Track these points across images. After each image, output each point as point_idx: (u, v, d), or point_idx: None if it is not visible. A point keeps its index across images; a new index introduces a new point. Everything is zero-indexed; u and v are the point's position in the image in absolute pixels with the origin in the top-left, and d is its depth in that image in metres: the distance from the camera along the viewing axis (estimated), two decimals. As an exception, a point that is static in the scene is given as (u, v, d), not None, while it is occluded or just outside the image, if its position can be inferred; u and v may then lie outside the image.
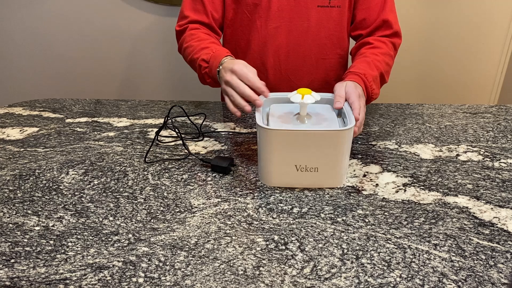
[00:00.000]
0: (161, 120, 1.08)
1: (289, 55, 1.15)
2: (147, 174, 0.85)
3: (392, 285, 0.60)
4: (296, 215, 0.74)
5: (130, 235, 0.69)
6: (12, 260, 0.64)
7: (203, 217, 0.73)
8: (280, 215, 0.74)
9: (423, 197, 0.79)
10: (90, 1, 1.80)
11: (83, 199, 0.78)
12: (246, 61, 1.10)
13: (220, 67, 0.95)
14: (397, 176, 0.85)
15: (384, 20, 1.11)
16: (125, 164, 0.89)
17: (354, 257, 0.65)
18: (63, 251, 0.66)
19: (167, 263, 0.64)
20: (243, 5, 1.11)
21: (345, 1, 1.11)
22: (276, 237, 0.69)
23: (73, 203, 0.77)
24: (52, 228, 0.71)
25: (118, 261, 0.64)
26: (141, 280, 0.61)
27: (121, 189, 0.81)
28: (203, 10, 1.12)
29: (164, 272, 0.62)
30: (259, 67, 1.16)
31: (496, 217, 0.74)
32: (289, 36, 1.13)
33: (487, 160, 0.91)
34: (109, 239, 0.68)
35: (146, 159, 0.90)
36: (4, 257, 0.65)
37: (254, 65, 1.17)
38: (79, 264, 0.63)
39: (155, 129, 1.03)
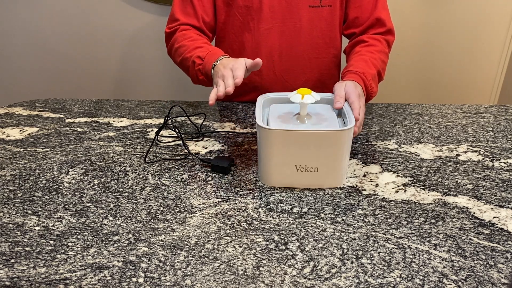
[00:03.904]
0: (161, 120, 1.08)
1: (282, 56, 1.15)
2: (147, 174, 0.85)
3: (392, 285, 0.60)
4: (296, 215, 0.74)
5: (130, 235, 0.69)
6: (12, 260, 0.64)
7: (203, 217, 0.73)
8: (280, 215, 0.74)
9: (423, 197, 0.79)
10: (90, 1, 1.80)
11: (83, 199, 0.78)
12: None
13: (218, 62, 0.95)
14: (397, 176, 0.85)
15: (377, 18, 1.11)
16: (125, 164, 0.89)
17: (354, 257, 0.65)
18: (63, 251, 0.66)
19: (167, 263, 0.64)
20: (234, 7, 1.11)
21: (336, 0, 1.11)
22: (276, 237, 0.69)
23: (73, 203, 0.77)
24: (52, 228, 0.71)
25: (118, 261, 0.64)
26: (141, 280, 0.61)
27: (121, 189, 0.81)
28: (193, 14, 1.12)
29: (164, 272, 0.62)
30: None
31: (496, 217, 0.74)
32: (281, 37, 1.13)
33: (487, 160, 0.91)
34: (109, 239, 0.68)
35: (146, 159, 0.90)
36: (4, 257, 0.65)
37: None
38: (79, 264, 0.63)
39: (155, 129, 1.03)
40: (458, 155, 0.93)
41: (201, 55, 1.01)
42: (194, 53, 1.03)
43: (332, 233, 0.70)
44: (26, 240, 0.68)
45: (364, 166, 0.88)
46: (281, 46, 1.14)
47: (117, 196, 0.79)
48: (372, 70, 1.01)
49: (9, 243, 0.68)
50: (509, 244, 0.68)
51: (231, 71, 0.89)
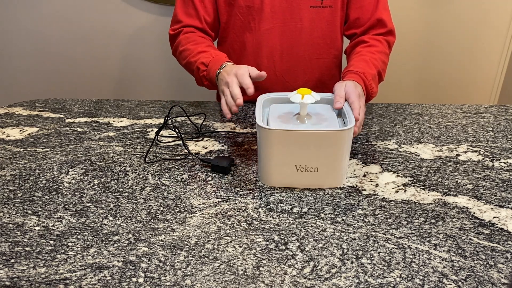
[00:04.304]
0: (161, 120, 1.08)
1: (283, 56, 1.15)
2: (147, 174, 0.85)
3: (392, 285, 0.60)
4: (296, 215, 0.74)
5: (130, 235, 0.69)
6: (12, 260, 0.64)
7: (203, 217, 0.73)
8: (280, 215, 0.74)
9: (423, 197, 0.79)
10: (90, 1, 1.80)
11: (83, 199, 0.78)
12: (241, 63, 1.09)
13: (221, 69, 0.96)
14: (397, 176, 0.85)
15: (378, 19, 1.11)
16: (125, 164, 0.89)
17: (354, 257, 0.65)
18: (63, 251, 0.66)
19: (167, 263, 0.64)
20: (236, 7, 1.12)
21: (337, 0, 1.11)
22: (276, 237, 0.69)
23: (73, 203, 0.77)
24: (52, 228, 0.71)
25: (118, 261, 0.64)
26: (141, 280, 0.61)
27: (121, 189, 0.81)
28: (195, 15, 1.12)
29: (164, 272, 0.62)
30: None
31: (496, 217, 0.74)
32: (282, 37, 1.13)
33: (487, 160, 0.91)
34: (109, 239, 0.68)
35: (146, 159, 0.90)
36: (4, 257, 0.65)
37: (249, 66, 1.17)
38: (79, 264, 0.63)
39: (155, 129, 1.03)
40: (458, 155, 0.93)
41: (205, 61, 1.02)
42: (198, 59, 1.04)
43: (332, 233, 0.70)
44: (26, 240, 0.68)
45: (364, 166, 0.88)
46: (282, 46, 1.14)
47: (117, 196, 0.79)
48: (372, 70, 1.01)
49: (9, 243, 0.68)
50: (509, 244, 0.68)
51: (235, 77, 0.90)
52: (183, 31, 1.12)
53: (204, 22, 1.13)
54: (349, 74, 0.98)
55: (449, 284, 0.60)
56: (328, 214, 0.74)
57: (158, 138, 0.98)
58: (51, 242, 0.68)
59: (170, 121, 1.06)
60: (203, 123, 1.06)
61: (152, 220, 0.73)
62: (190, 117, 1.08)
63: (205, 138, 0.99)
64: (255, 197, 0.78)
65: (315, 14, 1.12)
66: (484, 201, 0.78)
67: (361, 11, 1.12)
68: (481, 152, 0.94)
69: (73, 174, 0.86)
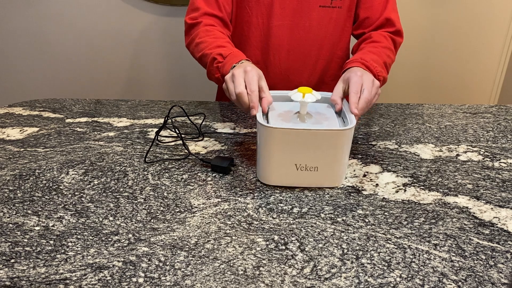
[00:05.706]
0: (161, 120, 1.08)
1: (289, 54, 1.15)
2: (147, 174, 0.85)
3: (392, 285, 0.60)
4: (296, 215, 0.74)
5: (130, 235, 0.69)
6: (12, 260, 0.64)
7: (203, 217, 0.73)
8: (280, 215, 0.74)
9: (423, 197, 0.79)
10: (90, 1, 1.80)
11: (83, 199, 0.78)
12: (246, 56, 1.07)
13: (238, 64, 0.91)
14: (397, 176, 0.85)
15: (387, 18, 1.11)
16: (125, 164, 0.89)
17: (354, 257, 0.65)
18: (63, 251, 0.66)
19: (167, 263, 0.64)
20: (245, 0, 1.11)
21: (346, 2, 1.11)
22: (276, 237, 0.69)
23: (73, 203, 0.77)
24: (52, 228, 0.71)
25: (118, 261, 0.64)
26: (141, 280, 0.61)
27: (121, 189, 0.81)
28: (215, 2, 1.08)
29: (164, 272, 0.62)
30: (260, 64, 1.16)
31: (496, 217, 0.74)
32: (291, 35, 1.13)
33: (487, 160, 0.91)
34: (109, 239, 0.68)
35: (146, 159, 0.90)
36: (4, 257, 0.65)
37: (254, 61, 1.16)
38: (79, 264, 0.63)
39: (155, 129, 1.03)
40: (458, 155, 0.93)
41: (223, 54, 0.96)
42: (215, 51, 0.98)
43: (332, 233, 0.70)
44: (26, 240, 0.68)
45: (364, 166, 0.88)
46: (290, 44, 1.14)
47: (117, 196, 0.79)
48: (372, 55, 0.97)
49: (9, 243, 0.67)
50: (509, 244, 0.68)
51: (244, 74, 0.84)
52: (203, 23, 1.06)
53: (224, 11, 1.09)
54: (347, 64, 0.95)
55: (449, 284, 0.60)
56: (328, 214, 0.74)
57: (158, 138, 0.98)
58: (51, 242, 0.68)
59: (170, 121, 1.06)
60: (203, 123, 1.06)
61: (152, 220, 0.73)
62: (190, 117, 1.08)
63: (205, 138, 0.99)
64: (255, 197, 0.78)
65: (324, 14, 1.12)
66: (484, 201, 0.78)
67: (370, 11, 1.12)
68: (481, 152, 0.94)
69: (73, 174, 0.86)
